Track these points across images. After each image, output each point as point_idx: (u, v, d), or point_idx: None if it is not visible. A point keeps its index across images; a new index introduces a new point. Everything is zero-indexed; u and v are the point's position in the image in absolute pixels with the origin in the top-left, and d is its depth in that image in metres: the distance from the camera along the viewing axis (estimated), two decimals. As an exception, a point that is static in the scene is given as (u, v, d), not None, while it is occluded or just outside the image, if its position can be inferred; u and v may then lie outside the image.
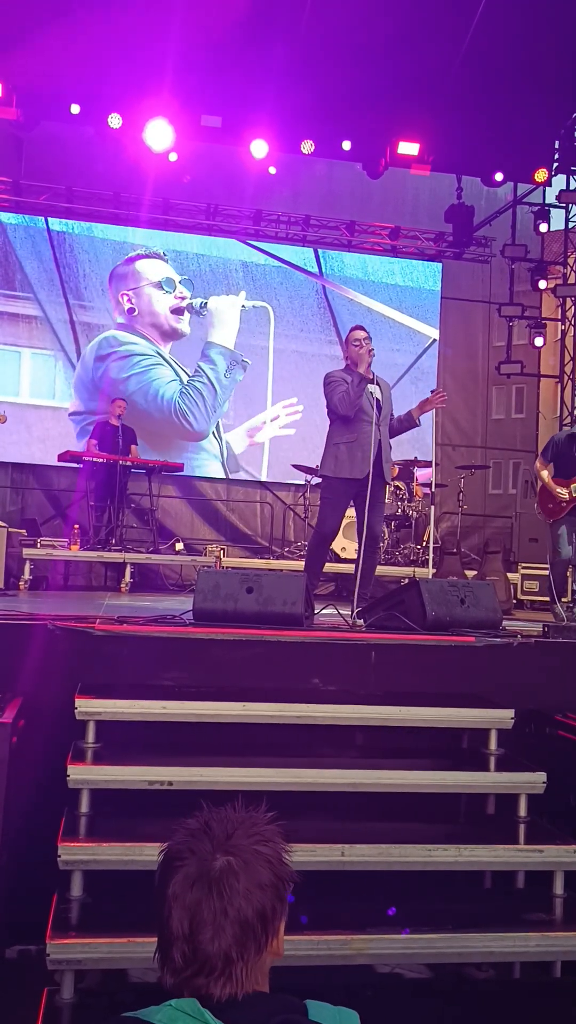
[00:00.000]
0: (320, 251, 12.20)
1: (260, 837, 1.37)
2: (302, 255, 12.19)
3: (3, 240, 11.35)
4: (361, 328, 5.53)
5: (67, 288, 11.40)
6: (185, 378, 11.34)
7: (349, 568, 9.01)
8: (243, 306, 11.44)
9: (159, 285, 11.27)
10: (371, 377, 5.37)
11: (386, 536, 9.14)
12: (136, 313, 11.23)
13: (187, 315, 11.39)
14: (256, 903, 1.32)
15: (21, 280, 11.33)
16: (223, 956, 1.30)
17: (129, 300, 11.23)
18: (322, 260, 12.22)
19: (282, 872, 1.37)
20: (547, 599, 8.59)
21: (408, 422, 5.58)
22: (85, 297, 11.47)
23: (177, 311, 11.32)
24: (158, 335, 11.34)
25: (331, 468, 5.42)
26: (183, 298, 11.35)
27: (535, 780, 3.54)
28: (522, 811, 3.54)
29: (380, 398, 5.38)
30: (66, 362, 11.41)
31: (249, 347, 11.76)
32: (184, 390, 11.22)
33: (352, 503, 5.53)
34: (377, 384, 5.40)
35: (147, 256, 11.41)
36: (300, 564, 8.10)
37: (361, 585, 5.38)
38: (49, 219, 11.36)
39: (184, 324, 11.40)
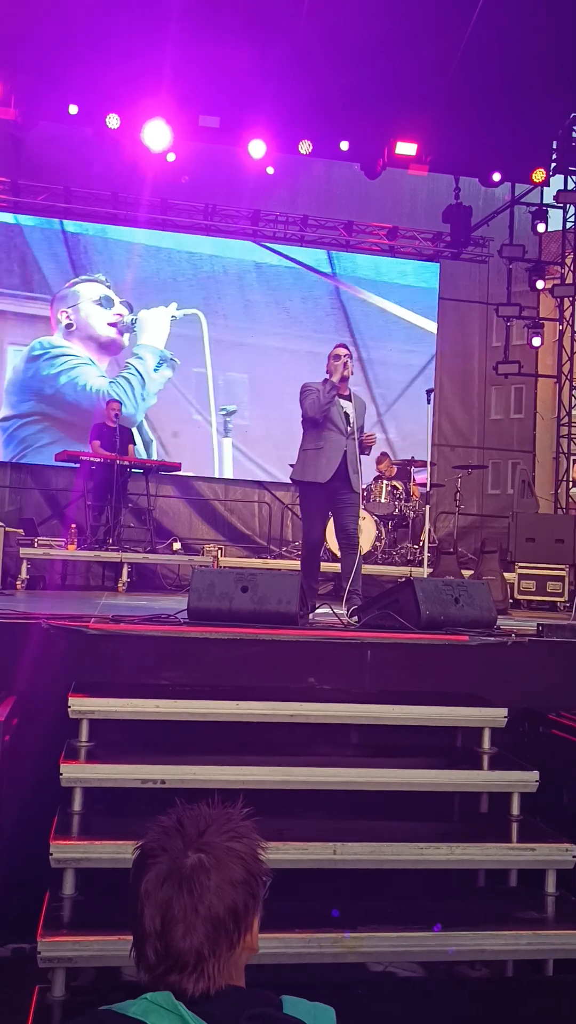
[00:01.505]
0: (332, 252, 12.32)
1: (233, 833, 1.36)
2: (315, 256, 12.27)
3: (21, 242, 11.48)
4: (344, 346, 5.83)
5: (83, 289, 11.59)
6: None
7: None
8: (174, 316, 11.60)
9: (98, 301, 11.49)
10: (347, 393, 5.70)
11: (383, 536, 9.15)
12: (73, 328, 11.44)
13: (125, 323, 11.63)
14: (228, 900, 1.32)
15: (39, 281, 11.48)
16: (195, 953, 1.30)
17: (67, 316, 11.44)
18: (335, 261, 12.31)
19: (255, 869, 1.37)
20: (544, 598, 8.63)
21: (362, 449, 5.86)
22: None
23: (112, 325, 11.53)
24: (95, 347, 11.50)
25: (299, 472, 5.79)
26: (121, 315, 11.56)
27: (528, 779, 3.55)
28: (515, 810, 3.54)
29: (351, 414, 5.69)
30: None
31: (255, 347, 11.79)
32: (114, 381, 11.39)
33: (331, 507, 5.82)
34: (351, 400, 5.72)
35: (88, 280, 11.58)
36: (298, 564, 8.13)
37: (343, 579, 5.70)
38: (64, 221, 11.49)
39: (124, 338, 11.59)
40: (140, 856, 1.37)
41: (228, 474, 11.76)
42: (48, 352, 11.30)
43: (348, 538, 5.78)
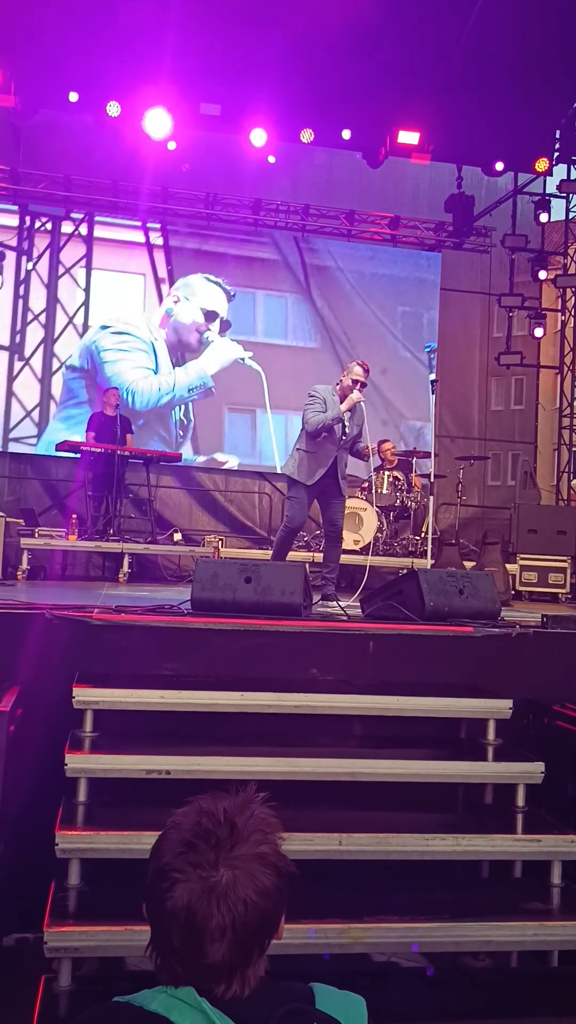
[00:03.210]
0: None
1: (259, 835, 1.31)
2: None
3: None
4: (363, 365, 5.93)
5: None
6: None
7: (347, 558, 9.05)
8: (240, 359, 11.73)
9: (205, 313, 11.67)
10: (352, 409, 5.85)
11: (384, 527, 9.13)
12: (172, 314, 11.63)
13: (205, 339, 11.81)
14: (260, 909, 1.27)
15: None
16: (228, 964, 1.26)
17: (175, 301, 11.62)
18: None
19: (283, 868, 1.32)
20: (546, 590, 8.62)
21: (357, 455, 6.16)
22: (310, 240, 12.12)
23: (198, 331, 11.71)
24: (175, 339, 11.65)
25: (291, 470, 6.06)
26: (207, 327, 11.70)
27: (533, 770, 3.54)
28: (520, 801, 3.54)
29: (348, 424, 5.89)
30: (296, 302, 12.13)
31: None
32: (144, 380, 11.49)
33: (317, 501, 6.16)
34: (350, 413, 5.88)
35: (212, 281, 11.76)
36: (299, 555, 8.15)
37: (324, 567, 6.16)
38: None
39: (202, 342, 11.74)
40: (164, 869, 1.29)
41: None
42: (113, 326, 11.44)
43: (335, 530, 6.16)
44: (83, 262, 11.65)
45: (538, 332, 12.03)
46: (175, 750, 3.42)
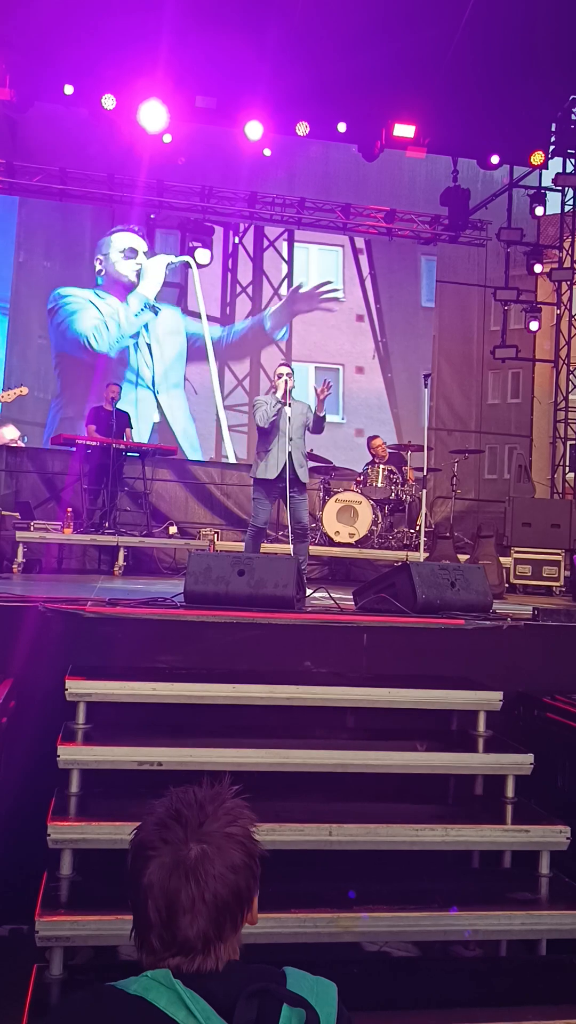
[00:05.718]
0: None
1: (229, 818, 1.39)
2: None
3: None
4: (285, 365, 7.01)
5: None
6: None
7: (342, 551, 9.11)
8: (170, 263, 11.98)
9: (124, 252, 11.84)
10: (287, 402, 6.61)
11: (379, 520, 9.16)
12: (104, 273, 11.81)
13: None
14: (231, 885, 1.34)
15: None
16: (202, 938, 1.33)
17: (100, 263, 11.79)
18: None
19: (253, 850, 1.39)
20: (540, 583, 8.65)
21: (316, 421, 6.70)
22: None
23: (137, 272, 11.91)
24: (121, 289, 11.82)
25: (254, 470, 6.83)
26: (141, 265, 11.90)
27: (522, 762, 3.57)
28: (509, 792, 3.57)
29: (291, 417, 6.61)
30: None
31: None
32: (95, 326, 11.74)
33: (281, 500, 6.77)
34: (290, 406, 6.63)
35: (121, 231, 11.83)
36: (276, 547, 8.26)
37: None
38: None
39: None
40: (139, 847, 1.38)
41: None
42: (56, 303, 11.69)
43: (301, 528, 6.74)
44: (285, 235, 12.19)
45: (533, 326, 12.04)
46: (167, 742, 3.44)
